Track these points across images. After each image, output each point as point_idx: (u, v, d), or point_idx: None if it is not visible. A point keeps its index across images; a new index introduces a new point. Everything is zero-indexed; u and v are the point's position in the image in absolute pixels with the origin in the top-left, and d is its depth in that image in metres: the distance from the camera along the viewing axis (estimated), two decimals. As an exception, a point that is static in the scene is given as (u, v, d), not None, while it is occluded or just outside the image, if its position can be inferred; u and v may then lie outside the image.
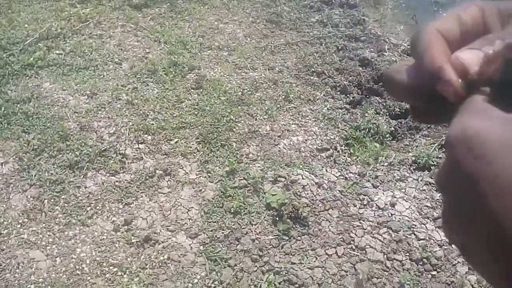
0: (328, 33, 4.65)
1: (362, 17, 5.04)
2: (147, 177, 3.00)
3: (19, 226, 2.70)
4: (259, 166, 3.14)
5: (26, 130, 3.22)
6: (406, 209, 2.98)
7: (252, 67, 4.01)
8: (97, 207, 2.83)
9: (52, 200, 2.83)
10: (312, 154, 3.31)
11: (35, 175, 2.94)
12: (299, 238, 2.76)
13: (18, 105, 3.40)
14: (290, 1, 5.14)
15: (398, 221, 2.88)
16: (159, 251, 2.62)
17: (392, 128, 3.61)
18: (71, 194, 2.88)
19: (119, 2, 4.56)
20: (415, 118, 0.42)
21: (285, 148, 3.31)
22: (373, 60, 4.24)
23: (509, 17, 0.36)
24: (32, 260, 2.55)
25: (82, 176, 2.98)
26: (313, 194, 3.01)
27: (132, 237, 2.67)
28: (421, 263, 2.67)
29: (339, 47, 4.43)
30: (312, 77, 4.05)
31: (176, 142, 3.25)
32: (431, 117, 0.40)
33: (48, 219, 2.74)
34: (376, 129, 3.52)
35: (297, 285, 2.52)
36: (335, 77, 4.05)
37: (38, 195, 2.84)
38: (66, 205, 2.82)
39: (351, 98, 3.86)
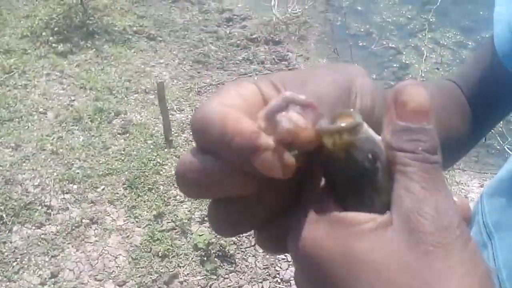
0: (254, 70, 4.84)
1: (287, 53, 5.27)
2: (73, 227, 3.01)
3: None
4: (186, 207, 3.22)
5: None
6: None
7: (178, 109, 4.12)
8: (23, 262, 2.82)
9: (-25, 261, 2.79)
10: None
11: (-44, 235, 2.89)
12: (226, 276, 2.85)
13: None
14: (217, 41, 5.32)
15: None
16: (87, 302, 2.64)
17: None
18: (-4, 250, 2.85)
19: (44, 50, 4.57)
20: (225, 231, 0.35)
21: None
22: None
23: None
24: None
25: (7, 231, 2.96)
26: (239, 231, 3.11)
27: (59, 290, 2.67)
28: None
29: (264, 84, 4.61)
30: (238, 115, 4.20)
31: (103, 189, 3.29)
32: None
33: (-30, 279, 2.70)
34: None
35: (225, 324, 2.60)
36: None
37: (-41, 255, 2.80)
38: (-11, 262, 2.79)
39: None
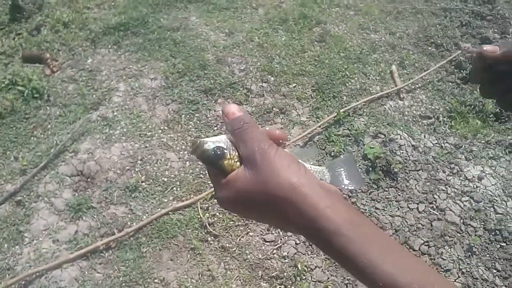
0: (455, 6, 4.74)
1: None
2: (265, 112, 3.50)
3: (160, 131, 3.35)
4: (363, 121, 3.51)
5: (173, 55, 3.84)
6: (492, 185, 3.22)
7: (374, 29, 4.29)
8: (222, 129, 3.40)
9: (188, 116, 3.43)
10: (414, 119, 3.61)
11: (176, 93, 3.55)
12: (386, 189, 3.14)
13: (168, 33, 4.02)
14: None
15: (482, 193, 3.15)
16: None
17: (497, 110, 3.76)
18: (203, 114, 3.46)
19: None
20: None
21: (390, 109, 3.64)
22: (494, 41, 4.32)
23: None
24: (168, 159, 3.19)
25: (213, 101, 3.55)
26: (408, 154, 3.34)
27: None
28: (493, 233, 2.96)
29: (463, 23, 4.53)
30: (430, 48, 4.25)
31: (294, 86, 3.70)
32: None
33: (183, 130, 3.36)
34: (481, 107, 3.71)
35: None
36: (452, 51, 4.21)
37: (178, 109, 3.46)
38: (198, 122, 3.42)
39: (464, 75, 4.02)
